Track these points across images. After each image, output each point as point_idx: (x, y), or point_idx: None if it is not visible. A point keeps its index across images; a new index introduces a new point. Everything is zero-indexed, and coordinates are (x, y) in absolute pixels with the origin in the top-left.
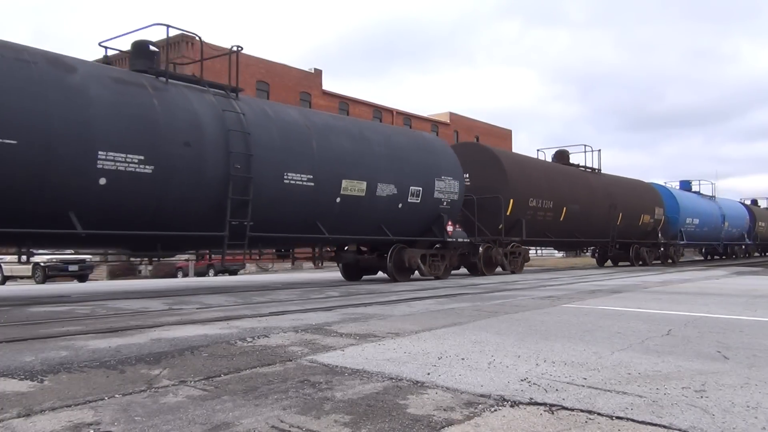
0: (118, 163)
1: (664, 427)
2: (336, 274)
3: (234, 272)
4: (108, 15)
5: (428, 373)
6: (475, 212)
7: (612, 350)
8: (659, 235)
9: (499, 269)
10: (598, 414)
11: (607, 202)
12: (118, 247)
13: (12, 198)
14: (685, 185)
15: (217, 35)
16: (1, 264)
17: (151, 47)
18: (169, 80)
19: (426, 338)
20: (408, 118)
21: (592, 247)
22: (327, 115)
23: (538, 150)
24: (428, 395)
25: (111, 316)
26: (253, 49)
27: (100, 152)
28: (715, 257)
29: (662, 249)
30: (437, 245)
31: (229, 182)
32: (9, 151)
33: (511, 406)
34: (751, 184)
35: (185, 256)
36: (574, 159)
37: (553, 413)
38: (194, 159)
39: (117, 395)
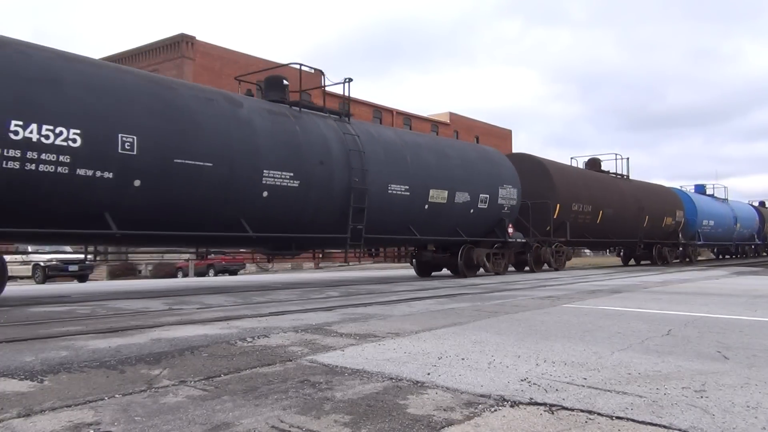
0: (276, 179)
1: (664, 427)
2: (333, 275)
3: (234, 272)
4: (107, 15)
5: (428, 373)
6: (529, 216)
7: (612, 350)
8: (679, 235)
9: (544, 266)
10: (598, 414)
11: (635, 205)
12: (266, 246)
13: (205, 208)
14: (700, 189)
15: (217, 35)
16: None
17: (284, 81)
18: (302, 109)
19: (426, 338)
20: (408, 118)
21: (618, 247)
22: (413, 133)
23: (571, 158)
24: (428, 395)
25: (111, 316)
26: (253, 49)
27: (264, 171)
28: (727, 257)
29: (681, 249)
30: (497, 245)
31: (351, 193)
32: (207, 172)
33: (511, 406)
34: (752, 184)
35: (186, 256)
36: (604, 166)
37: (553, 413)
38: (326, 175)
39: (117, 395)
